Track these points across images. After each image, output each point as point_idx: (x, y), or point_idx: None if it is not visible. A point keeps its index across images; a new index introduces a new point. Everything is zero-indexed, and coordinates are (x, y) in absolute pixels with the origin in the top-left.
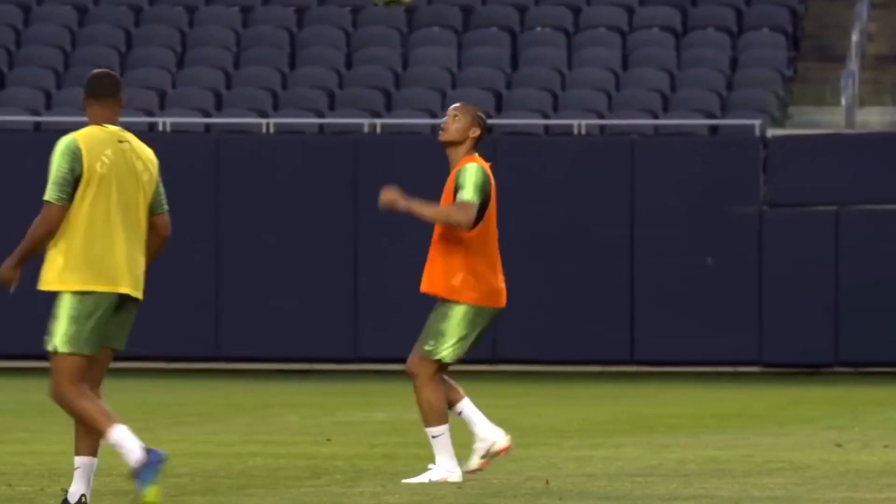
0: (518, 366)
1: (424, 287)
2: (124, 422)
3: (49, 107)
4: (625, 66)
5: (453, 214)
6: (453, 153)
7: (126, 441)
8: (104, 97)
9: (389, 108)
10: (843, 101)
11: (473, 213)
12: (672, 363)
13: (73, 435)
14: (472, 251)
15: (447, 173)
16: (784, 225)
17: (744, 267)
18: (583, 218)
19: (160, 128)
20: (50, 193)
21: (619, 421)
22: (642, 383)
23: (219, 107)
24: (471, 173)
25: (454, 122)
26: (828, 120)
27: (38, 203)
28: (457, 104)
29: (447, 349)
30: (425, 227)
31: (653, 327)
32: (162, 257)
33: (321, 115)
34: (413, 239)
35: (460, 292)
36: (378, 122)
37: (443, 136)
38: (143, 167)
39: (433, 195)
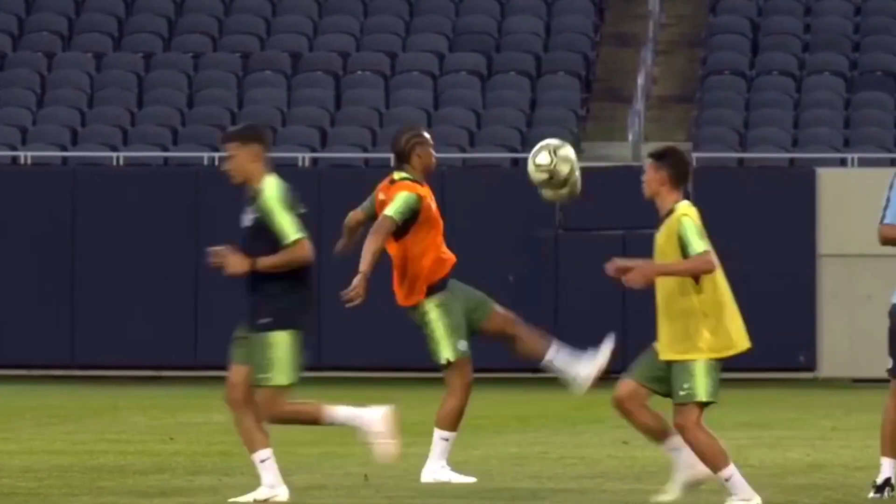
0: (343, 372)
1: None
2: None
3: None
4: (436, 105)
5: None
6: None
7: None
8: None
9: None
10: (630, 137)
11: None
12: (480, 370)
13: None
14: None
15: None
16: (577, 247)
17: (542, 284)
18: None
19: (22, 161)
20: None
21: (431, 421)
22: None
23: (74, 142)
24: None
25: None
26: (617, 154)
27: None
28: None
29: None
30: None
31: None
32: (22, 277)
33: (166, 150)
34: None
35: None
36: (216, 155)
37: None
38: None
39: None
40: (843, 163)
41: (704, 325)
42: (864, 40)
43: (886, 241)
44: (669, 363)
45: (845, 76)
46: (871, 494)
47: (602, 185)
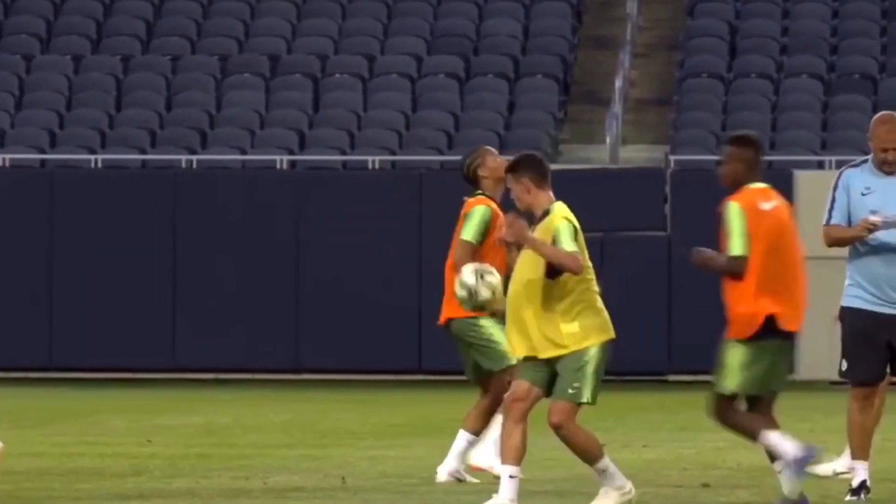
0: (319, 375)
1: None
2: None
3: None
4: (414, 108)
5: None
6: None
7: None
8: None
9: (205, 145)
10: (608, 140)
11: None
12: (455, 372)
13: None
14: None
15: (263, 205)
16: None
17: None
18: (375, 243)
19: (0, 163)
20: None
21: (411, 424)
22: (430, 390)
23: (53, 144)
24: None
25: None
26: (595, 156)
27: None
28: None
29: None
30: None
31: (437, 341)
32: (0, 279)
33: (144, 152)
34: (230, 260)
35: None
36: (194, 158)
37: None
38: None
39: (250, 224)
40: (820, 165)
41: (579, 315)
42: (841, 43)
43: (832, 242)
44: (554, 359)
45: (823, 79)
46: (848, 497)
47: (580, 188)
